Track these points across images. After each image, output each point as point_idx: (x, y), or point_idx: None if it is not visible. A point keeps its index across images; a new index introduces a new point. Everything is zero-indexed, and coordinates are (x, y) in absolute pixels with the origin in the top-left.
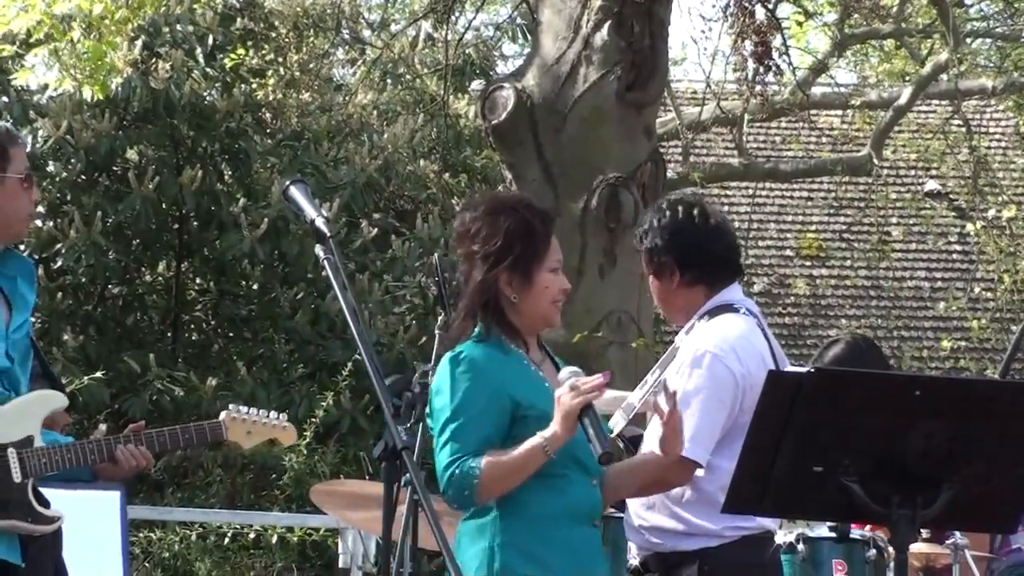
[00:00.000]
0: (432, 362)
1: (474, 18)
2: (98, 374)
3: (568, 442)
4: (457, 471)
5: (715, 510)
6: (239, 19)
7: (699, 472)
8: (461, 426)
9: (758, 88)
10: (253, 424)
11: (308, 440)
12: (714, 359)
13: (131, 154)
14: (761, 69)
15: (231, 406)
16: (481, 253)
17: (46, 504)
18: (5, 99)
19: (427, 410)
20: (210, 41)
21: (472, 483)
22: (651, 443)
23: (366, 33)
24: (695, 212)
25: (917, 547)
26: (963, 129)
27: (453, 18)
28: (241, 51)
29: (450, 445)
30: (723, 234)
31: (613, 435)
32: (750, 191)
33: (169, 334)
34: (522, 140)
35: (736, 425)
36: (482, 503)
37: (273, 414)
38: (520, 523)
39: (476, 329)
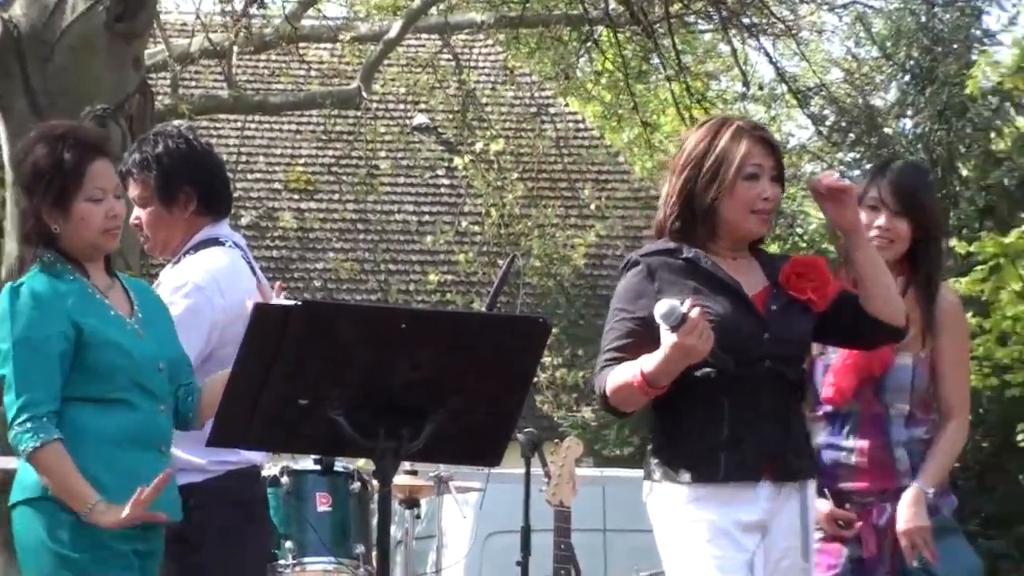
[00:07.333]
0: None
1: None
2: None
3: (132, 368)
4: (29, 425)
5: (202, 444)
6: None
7: None
8: (27, 362)
9: (246, 21)
10: None
11: None
12: (196, 289)
13: None
14: (249, 1)
15: None
16: (24, 185)
17: None
18: None
19: None
20: None
21: (27, 449)
22: None
23: None
24: (205, 143)
25: (401, 480)
26: (452, 63)
27: None
28: None
29: (18, 389)
30: (224, 167)
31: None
32: (239, 124)
33: None
34: (9, 71)
35: (215, 358)
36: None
37: None
38: (82, 447)
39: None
